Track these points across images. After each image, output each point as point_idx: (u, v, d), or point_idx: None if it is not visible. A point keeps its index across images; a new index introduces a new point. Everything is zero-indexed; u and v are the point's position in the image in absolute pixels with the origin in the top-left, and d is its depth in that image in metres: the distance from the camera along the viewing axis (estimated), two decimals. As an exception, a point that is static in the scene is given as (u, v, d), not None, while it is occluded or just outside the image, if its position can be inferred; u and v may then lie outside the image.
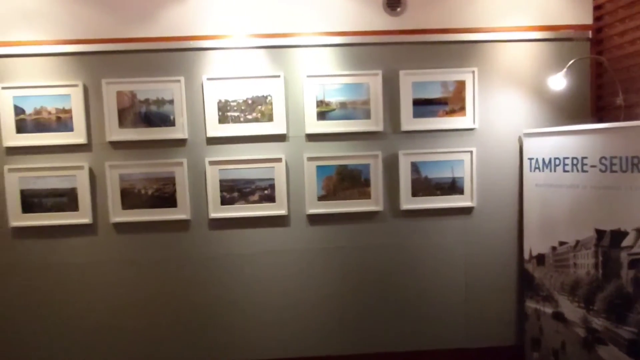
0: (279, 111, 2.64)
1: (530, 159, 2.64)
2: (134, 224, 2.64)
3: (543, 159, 2.57)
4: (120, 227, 2.64)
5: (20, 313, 2.64)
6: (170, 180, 2.63)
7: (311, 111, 2.65)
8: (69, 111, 2.58)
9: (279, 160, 2.64)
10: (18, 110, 2.56)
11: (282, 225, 2.69)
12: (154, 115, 2.62)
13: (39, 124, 2.58)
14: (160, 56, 2.62)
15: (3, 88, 2.55)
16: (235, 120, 2.64)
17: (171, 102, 2.62)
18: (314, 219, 2.69)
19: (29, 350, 2.66)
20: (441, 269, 2.76)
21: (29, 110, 2.57)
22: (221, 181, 2.65)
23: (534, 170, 2.62)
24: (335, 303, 2.74)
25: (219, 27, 2.63)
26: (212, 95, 2.62)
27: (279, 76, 2.62)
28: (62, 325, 2.66)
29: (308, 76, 2.63)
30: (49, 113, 2.58)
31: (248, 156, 2.64)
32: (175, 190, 2.63)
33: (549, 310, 2.57)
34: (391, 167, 2.70)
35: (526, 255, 2.69)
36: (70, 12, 2.59)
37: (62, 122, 2.58)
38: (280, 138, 2.65)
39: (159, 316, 2.69)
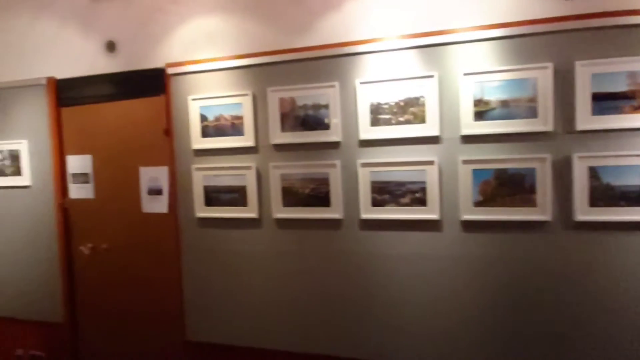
0: (432, 112, 2.56)
1: None
2: (293, 220, 2.87)
3: None
4: (281, 223, 2.91)
5: (207, 290, 3.11)
6: (325, 181, 2.79)
7: (467, 111, 2.51)
8: (240, 117, 2.93)
9: (431, 162, 2.58)
10: (203, 118, 3.02)
11: (433, 229, 2.61)
12: (311, 119, 2.81)
13: (218, 129, 2.99)
14: (317, 63, 2.78)
15: (193, 99, 3.02)
16: (387, 122, 2.65)
17: (326, 106, 2.76)
18: (469, 226, 2.55)
19: (217, 322, 3.12)
20: (623, 294, 2.35)
21: (210, 117, 3.00)
22: (372, 183, 2.70)
23: None
24: (491, 317, 2.55)
25: (371, 31, 2.67)
26: (365, 99, 2.68)
27: (432, 76, 2.54)
28: (240, 304, 3.04)
29: (465, 74, 2.49)
30: (226, 119, 2.97)
31: (399, 159, 2.64)
32: (329, 191, 2.78)
33: None
34: (562, 172, 2.39)
35: None
36: (241, 30, 2.93)
37: (235, 127, 2.95)
38: (432, 140, 2.58)
39: (309, 305, 2.88)
